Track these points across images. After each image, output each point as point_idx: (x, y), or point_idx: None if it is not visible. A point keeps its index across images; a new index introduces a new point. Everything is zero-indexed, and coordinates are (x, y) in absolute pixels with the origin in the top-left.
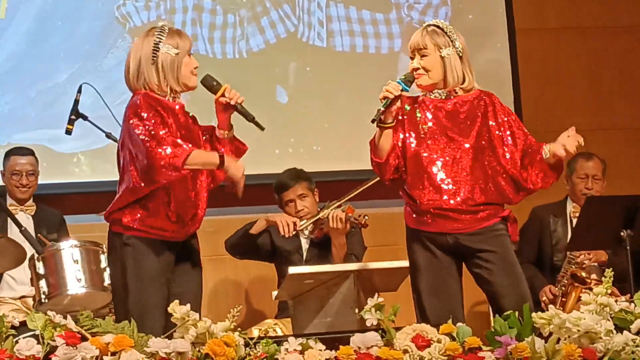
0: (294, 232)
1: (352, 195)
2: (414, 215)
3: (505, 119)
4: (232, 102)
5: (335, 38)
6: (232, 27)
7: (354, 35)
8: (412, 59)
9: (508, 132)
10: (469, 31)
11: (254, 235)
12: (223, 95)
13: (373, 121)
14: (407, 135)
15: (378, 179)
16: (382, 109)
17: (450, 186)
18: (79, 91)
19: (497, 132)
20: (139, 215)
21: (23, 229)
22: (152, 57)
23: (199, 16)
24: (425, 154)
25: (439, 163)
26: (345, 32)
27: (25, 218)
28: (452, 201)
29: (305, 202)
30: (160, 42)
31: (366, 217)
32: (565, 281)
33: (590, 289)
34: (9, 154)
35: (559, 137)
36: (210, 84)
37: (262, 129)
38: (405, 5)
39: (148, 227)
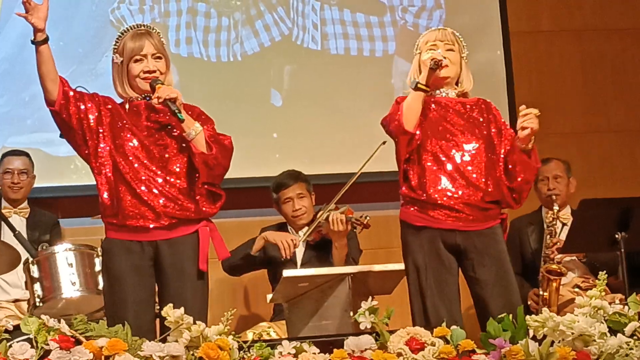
0: (290, 256)
1: (341, 194)
2: (423, 213)
3: (504, 128)
4: (160, 101)
5: (329, 41)
6: (227, 30)
7: (348, 38)
8: (431, 49)
9: (508, 143)
10: (463, 34)
11: (254, 255)
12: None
13: (433, 69)
14: (425, 130)
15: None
16: (433, 67)
17: (465, 183)
18: None
19: (500, 139)
20: (107, 202)
21: (17, 232)
22: (112, 68)
23: (193, 19)
24: (439, 151)
25: (453, 161)
26: (339, 35)
27: (19, 221)
28: (466, 197)
29: (303, 202)
30: (113, 52)
31: (367, 218)
32: (541, 278)
33: (579, 287)
34: (3, 156)
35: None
36: (152, 87)
37: (181, 121)
38: (400, 8)
39: (116, 217)
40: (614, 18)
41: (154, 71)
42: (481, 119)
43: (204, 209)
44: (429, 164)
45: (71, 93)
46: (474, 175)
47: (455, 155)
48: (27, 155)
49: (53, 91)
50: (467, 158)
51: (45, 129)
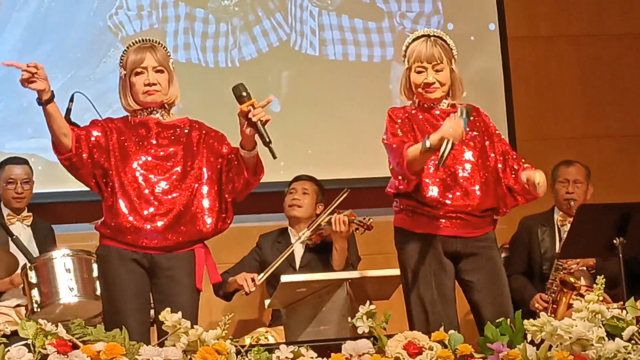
0: (253, 289)
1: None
2: (427, 221)
3: (496, 132)
4: (254, 119)
5: (327, 47)
6: (225, 35)
7: (347, 44)
8: (419, 71)
9: (499, 146)
10: (461, 39)
11: (230, 293)
12: (246, 110)
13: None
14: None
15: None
16: (446, 152)
17: (464, 192)
18: (72, 100)
19: (491, 143)
20: (106, 219)
21: (14, 237)
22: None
23: (191, 25)
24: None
25: (452, 170)
26: (337, 41)
27: (22, 228)
28: (469, 205)
29: (304, 197)
30: (119, 66)
31: (370, 220)
32: (555, 287)
33: (581, 295)
34: (3, 164)
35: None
36: (239, 94)
37: (274, 157)
38: (398, 14)
39: (112, 230)
40: (611, 23)
41: (155, 84)
42: (474, 127)
43: (205, 229)
44: (431, 176)
45: (80, 134)
46: (472, 184)
47: (454, 165)
48: (27, 162)
49: (67, 143)
50: (465, 167)
51: (43, 134)
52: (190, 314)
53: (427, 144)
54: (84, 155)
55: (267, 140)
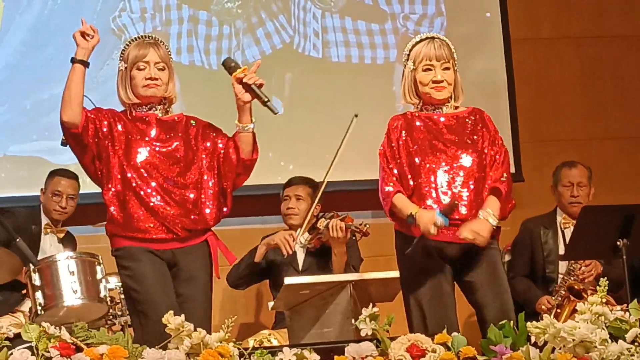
0: (291, 251)
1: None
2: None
3: (497, 141)
4: (249, 82)
5: (330, 49)
6: (228, 38)
7: (350, 46)
8: (427, 69)
9: (496, 156)
10: (464, 41)
11: (258, 263)
12: (241, 76)
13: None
14: (414, 148)
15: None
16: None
17: (460, 198)
18: None
19: (489, 151)
20: (118, 217)
21: (18, 240)
22: (117, 76)
23: (194, 27)
24: (436, 167)
25: (450, 175)
26: (340, 43)
27: (55, 240)
28: (465, 212)
29: (299, 204)
30: (119, 60)
31: (367, 225)
32: (562, 292)
33: None
34: (53, 174)
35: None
36: (230, 65)
37: (275, 113)
38: (401, 16)
39: (124, 229)
40: (612, 25)
41: (156, 79)
42: (474, 131)
43: (208, 217)
44: (425, 182)
45: (89, 114)
46: (468, 192)
47: (450, 173)
48: (77, 178)
49: (77, 114)
50: (460, 174)
51: (47, 136)
52: (208, 314)
53: (410, 220)
54: (89, 136)
55: (265, 99)
